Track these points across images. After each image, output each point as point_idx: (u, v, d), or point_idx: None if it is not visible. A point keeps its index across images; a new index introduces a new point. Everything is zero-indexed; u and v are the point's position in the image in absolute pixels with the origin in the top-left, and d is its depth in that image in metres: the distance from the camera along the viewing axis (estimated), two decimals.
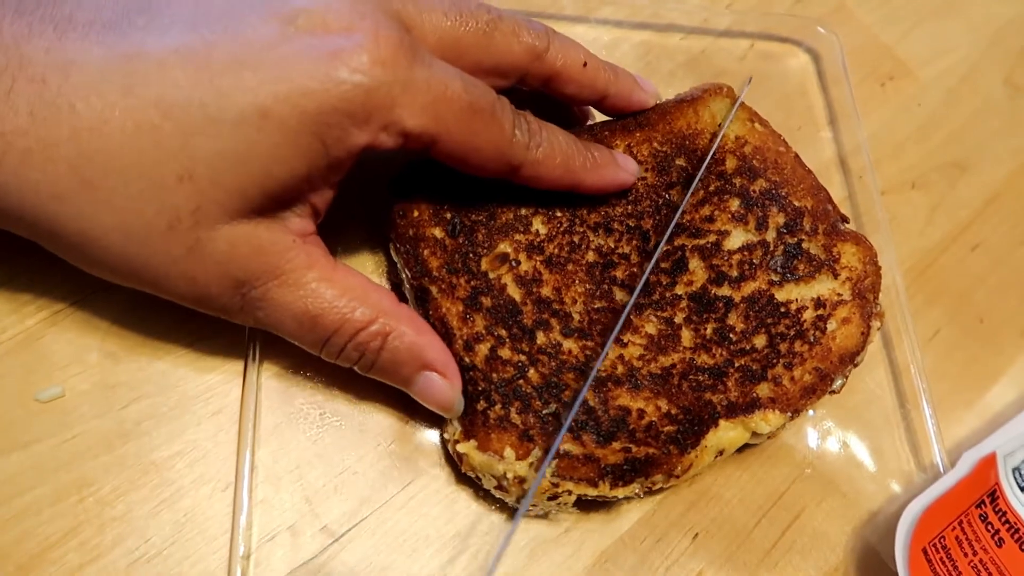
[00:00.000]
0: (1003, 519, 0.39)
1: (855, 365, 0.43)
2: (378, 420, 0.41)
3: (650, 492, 0.41)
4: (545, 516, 0.41)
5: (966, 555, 0.39)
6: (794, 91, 0.57)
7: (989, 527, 0.39)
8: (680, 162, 0.45)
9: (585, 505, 0.41)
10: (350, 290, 0.36)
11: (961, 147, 0.58)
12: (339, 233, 0.44)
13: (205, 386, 0.41)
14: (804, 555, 0.43)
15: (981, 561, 0.38)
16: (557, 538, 0.41)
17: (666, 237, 0.43)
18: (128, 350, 0.40)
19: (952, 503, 0.41)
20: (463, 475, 0.40)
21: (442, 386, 0.38)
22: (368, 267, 0.45)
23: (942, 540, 0.39)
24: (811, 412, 0.46)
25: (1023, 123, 0.60)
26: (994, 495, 0.39)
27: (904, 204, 0.55)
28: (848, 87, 0.55)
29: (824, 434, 0.46)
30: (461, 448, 0.38)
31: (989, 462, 0.41)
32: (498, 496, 0.39)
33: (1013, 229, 0.56)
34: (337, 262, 0.37)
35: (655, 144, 0.45)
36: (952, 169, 0.57)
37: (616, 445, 0.38)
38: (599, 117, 0.47)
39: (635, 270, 0.42)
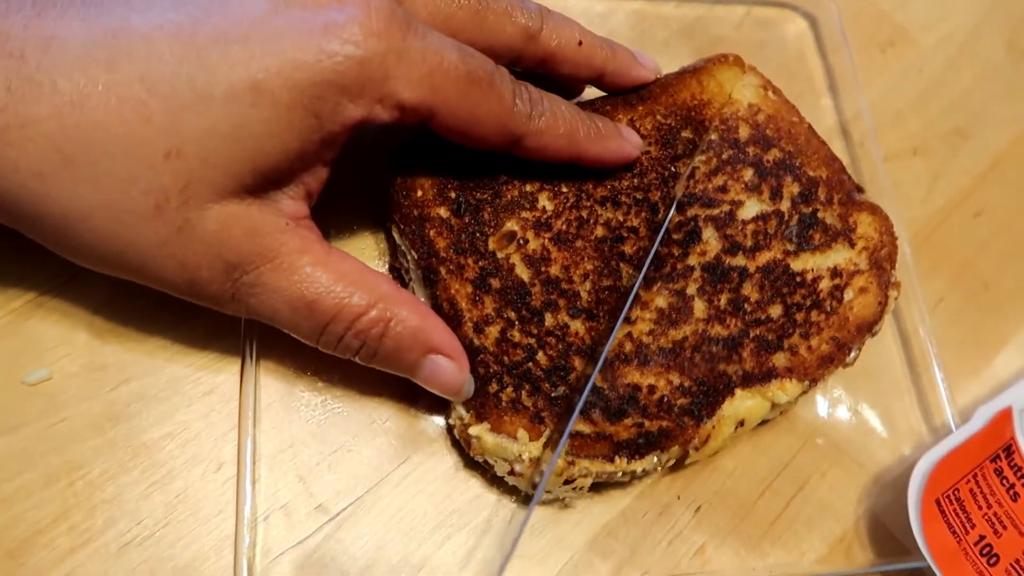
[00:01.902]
0: (1019, 474, 0.38)
1: (872, 335, 0.42)
2: (374, 396, 0.40)
3: (672, 467, 0.40)
4: (562, 502, 0.40)
5: (980, 508, 0.38)
6: (793, 58, 0.56)
7: (1004, 481, 0.38)
8: (686, 134, 0.44)
9: (600, 487, 0.40)
10: (346, 275, 0.35)
11: (963, 113, 0.57)
12: (337, 217, 0.43)
13: (195, 366, 0.40)
14: (809, 526, 0.42)
15: (996, 515, 0.38)
16: (557, 513, 0.40)
17: (673, 208, 0.42)
18: (117, 331, 0.40)
19: (966, 456, 0.40)
20: (464, 454, 0.40)
21: (451, 369, 0.36)
22: (369, 251, 0.44)
23: (956, 492, 0.39)
24: None
25: None
26: (1009, 450, 0.39)
27: (905, 171, 0.54)
28: (848, 52, 0.54)
29: (834, 402, 0.45)
30: (473, 431, 0.37)
31: (1005, 417, 0.40)
32: (511, 483, 0.39)
33: (1016, 195, 0.55)
34: (331, 247, 0.36)
35: (658, 117, 0.44)
36: (954, 135, 0.56)
37: (628, 421, 0.38)
38: (595, 93, 0.46)
39: (644, 244, 0.42)
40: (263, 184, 0.33)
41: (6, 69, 0.30)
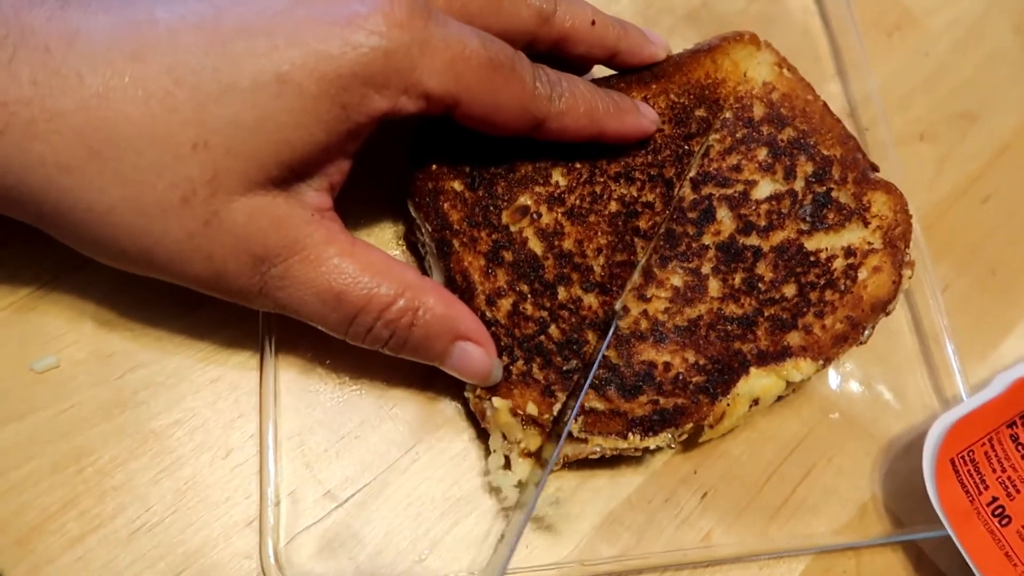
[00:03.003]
0: None
1: (886, 314, 0.42)
2: (381, 383, 0.41)
3: (685, 445, 0.41)
4: (542, 521, 0.40)
5: (994, 471, 0.39)
6: (799, 42, 0.55)
7: (1020, 447, 0.39)
8: (700, 112, 0.44)
9: (615, 460, 0.41)
10: (372, 265, 0.35)
11: (970, 98, 0.57)
12: (356, 204, 0.43)
13: (202, 353, 0.40)
14: (815, 512, 0.42)
15: (1009, 479, 0.38)
16: (563, 500, 0.40)
17: (685, 179, 0.42)
18: (124, 319, 0.40)
19: (983, 420, 0.40)
20: (475, 429, 0.40)
21: (479, 356, 0.36)
22: (387, 236, 0.44)
23: (971, 454, 0.40)
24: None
25: None
26: None
27: (912, 156, 0.54)
28: (856, 34, 0.54)
29: (846, 377, 0.46)
30: (496, 402, 0.37)
31: (1022, 385, 0.40)
32: (497, 482, 0.39)
33: None
34: (355, 237, 0.35)
35: (672, 96, 0.44)
36: (961, 120, 0.56)
37: (643, 399, 0.38)
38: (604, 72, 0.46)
39: (659, 219, 0.42)
40: (289, 176, 0.33)
41: (31, 62, 0.30)
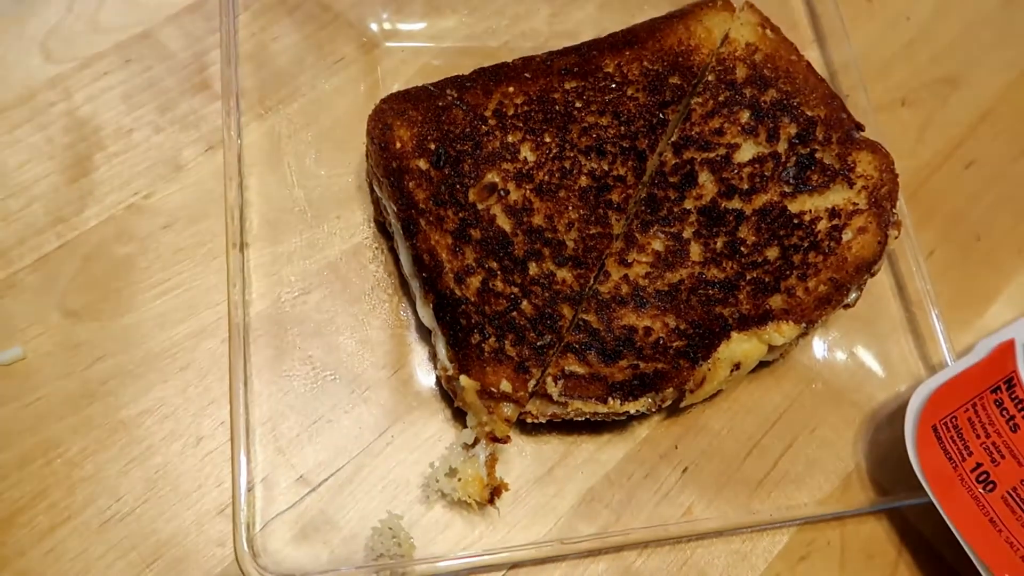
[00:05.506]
0: (1019, 406, 0.38)
1: (872, 275, 0.41)
2: (350, 368, 0.40)
3: (670, 409, 0.41)
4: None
5: (978, 436, 0.38)
6: (776, 8, 0.54)
7: (1004, 412, 0.38)
8: (674, 80, 0.44)
9: (598, 426, 0.40)
10: None
11: (952, 62, 0.56)
12: (324, 187, 0.43)
13: (170, 342, 0.39)
14: (798, 484, 0.42)
15: (994, 444, 0.38)
16: (540, 478, 0.39)
17: (667, 145, 0.42)
18: (89, 308, 0.39)
19: (966, 385, 0.40)
20: (444, 419, 0.40)
21: None
22: (357, 220, 0.43)
23: (953, 420, 0.39)
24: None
25: (1016, 34, 0.58)
26: (1011, 382, 0.38)
27: (894, 123, 0.53)
28: (834, 1, 0.53)
29: (832, 346, 0.45)
30: (464, 382, 0.37)
31: (1006, 349, 0.40)
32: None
33: (1008, 144, 0.54)
34: None
35: (645, 62, 0.44)
36: (943, 85, 0.55)
37: (623, 363, 0.38)
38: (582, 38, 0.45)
39: (631, 192, 0.41)
40: None
41: None
